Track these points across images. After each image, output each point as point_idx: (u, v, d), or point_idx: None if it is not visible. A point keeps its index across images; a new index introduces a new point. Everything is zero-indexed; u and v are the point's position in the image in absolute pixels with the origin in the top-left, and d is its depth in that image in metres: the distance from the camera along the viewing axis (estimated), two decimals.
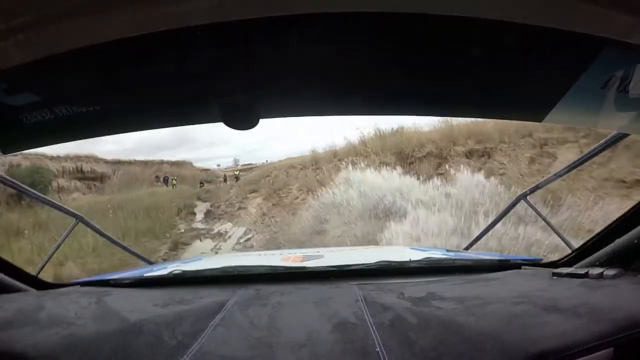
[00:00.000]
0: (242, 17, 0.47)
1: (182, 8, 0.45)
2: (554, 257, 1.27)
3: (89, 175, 19.48)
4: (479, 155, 8.80)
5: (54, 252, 1.86)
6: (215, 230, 11.16)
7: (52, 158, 17.88)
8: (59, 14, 0.44)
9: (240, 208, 12.73)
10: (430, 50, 0.57)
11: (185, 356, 0.72)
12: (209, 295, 1.05)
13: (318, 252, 1.79)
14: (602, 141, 1.31)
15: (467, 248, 2.48)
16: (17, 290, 1.09)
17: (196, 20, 0.47)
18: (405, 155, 9.86)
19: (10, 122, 0.62)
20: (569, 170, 1.69)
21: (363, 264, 1.27)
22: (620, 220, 1.00)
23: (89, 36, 0.48)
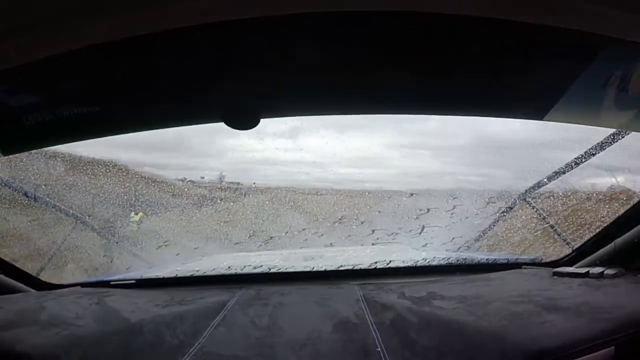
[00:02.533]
0: (242, 17, 0.47)
1: (182, 8, 0.45)
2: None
3: None
4: None
5: (54, 254, 1.86)
6: None
7: None
8: (58, 15, 0.44)
9: None
10: (430, 50, 0.57)
11: (186, 356, 0.72)
12: (210, 296, 1.05)
13: (318, 252, 1.79)
14: (601, 139, 1.32)
15: (467, 248, 2.48)
16: (17, 291, 1.09)
17: (196, 20, 0.47)
18: None
19: (11, 124, 0.62)
20: (569, 169, 1.69)
21: (363, 264, 1.27)
22: (620, 220, 1.00)
23: (89, 37, 0.48)
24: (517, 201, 2.09)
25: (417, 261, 1.31)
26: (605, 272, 0.89)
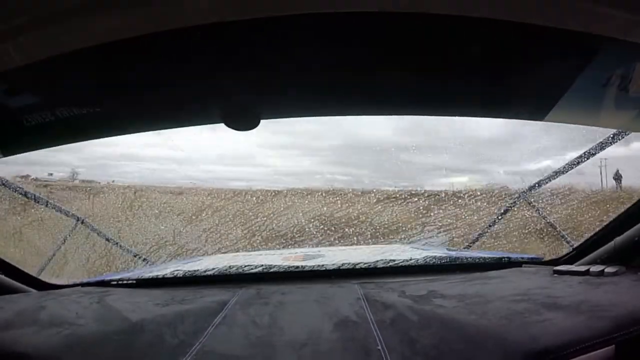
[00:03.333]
0: (243, 17, 0.47)
1: (182, 8, 0.45)
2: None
3: None
4: None
5: (54, 254, 1.86)
6: None
7: None
8: (59, 15, 0.44)
9: None
10: (431, 50, 0.57)
11: (187, 355, 0.72)
12: (210, 295, 1.05)
13: (319, 251, 1.79)
14: (602, 139, 1.32)
15: (467, 246, 2.48)
16: (18, 291, 1.09)
17: (196, 21, 0.47)
18: None
19: (11, 124, 0.62)
20: (570, 168, 1.69)
21: (364, 263, 1.27)
22: (620, 218, 1.00)
23: (90, 37, 0.48)
24: (518, 200, 2.09)
25: (418, 260, 1.31)
26: (605, 270, 0.89)
